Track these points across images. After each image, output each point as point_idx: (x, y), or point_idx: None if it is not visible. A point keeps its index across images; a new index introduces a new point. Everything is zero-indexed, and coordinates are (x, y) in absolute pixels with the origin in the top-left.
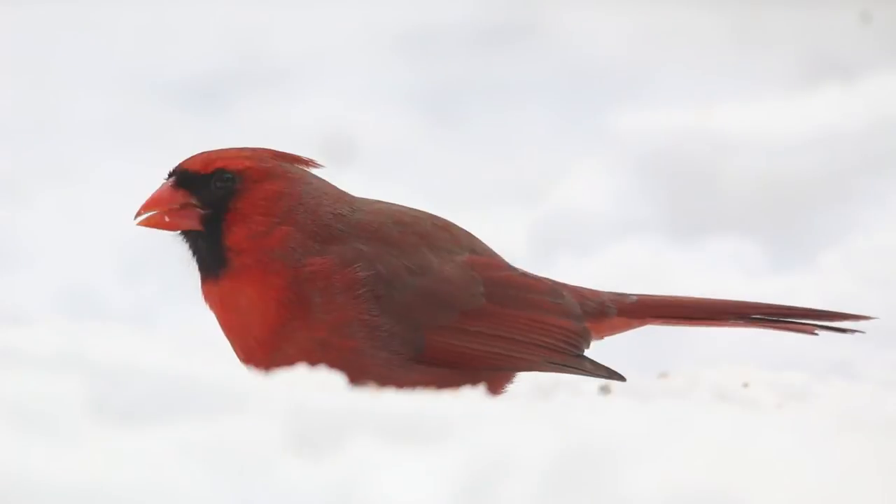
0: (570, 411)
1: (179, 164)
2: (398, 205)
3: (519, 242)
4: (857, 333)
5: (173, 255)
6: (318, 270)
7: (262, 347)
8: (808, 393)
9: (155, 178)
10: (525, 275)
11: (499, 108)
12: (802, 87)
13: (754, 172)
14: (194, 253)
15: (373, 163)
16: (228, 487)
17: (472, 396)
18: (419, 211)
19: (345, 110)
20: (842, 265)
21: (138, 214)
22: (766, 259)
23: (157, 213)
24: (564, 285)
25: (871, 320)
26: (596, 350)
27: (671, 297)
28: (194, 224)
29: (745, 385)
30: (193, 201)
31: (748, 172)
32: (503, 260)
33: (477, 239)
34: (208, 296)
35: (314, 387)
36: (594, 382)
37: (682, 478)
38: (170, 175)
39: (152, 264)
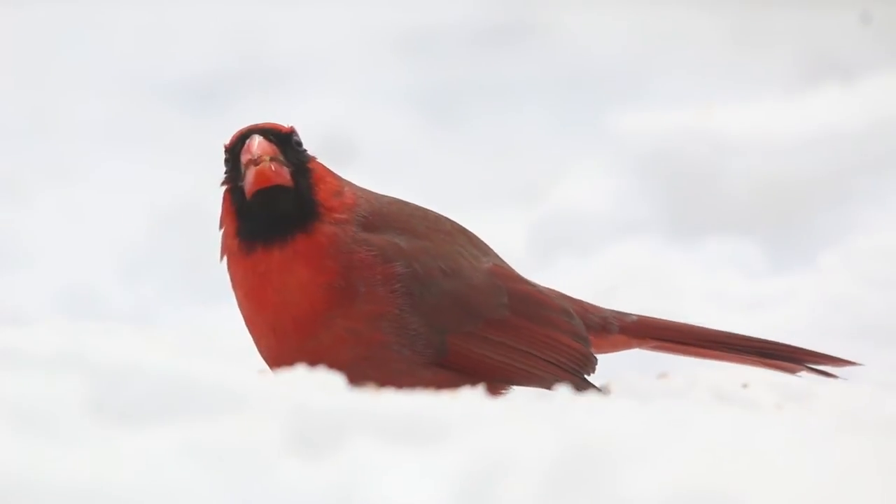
0: (570, 411)
1: (255, 126)
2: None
3: (518, 242)
4: (840, 376)
5: (173, 255)
6: (364, 259)
7: (300, 332)
8: (807, 393)
9: (155, 179)
10: (540, 290)
11: (499, 109)
12: (802, 88)
13: (754, 172)
14: (270, 211)
15: (373, 163)
16: (228, 487)
17: (471, 397)
18: (430, 210)
19: (345, 111)
20: (842, 265)
21: (248, 166)
22: (766, 259)
23: (265, 164)
24: (571, 299)
25: (874, 320)
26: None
27: (670, 321)
28: (287, 179)
29: (745, 385)
30: (281, 157)
31: (748, 172)
32: (516, 271)
33: (487, 245)
34: (250, 268)
35: (314, 387)
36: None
37: (682, 478)
38: (248, 135)
39: (152, 264)
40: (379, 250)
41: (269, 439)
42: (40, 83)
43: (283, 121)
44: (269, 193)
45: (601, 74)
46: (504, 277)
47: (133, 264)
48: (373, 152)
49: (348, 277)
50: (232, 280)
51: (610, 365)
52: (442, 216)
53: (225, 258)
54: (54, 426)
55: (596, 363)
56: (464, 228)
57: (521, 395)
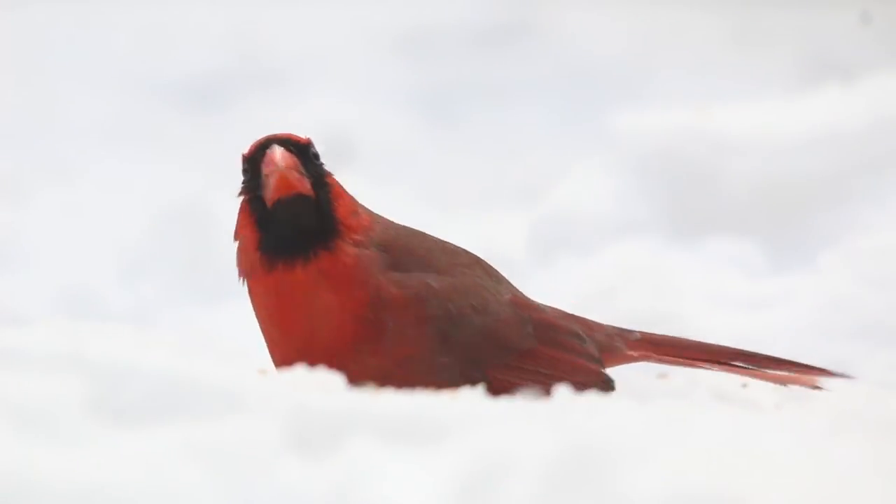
0: (570, 412)
1: (273, 136)
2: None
3: (519, 242)
4: (829, 388)
5: (173, 255)
6: (395, 298)
7: (330, 361)
8: (807, 393)
9: (155, 179)
10: (552, 315)
11: (499, 108)
12: (802, 88)
13: (754, 173)
14: (293, 223)
15: (372, 163)
16: (228, 487)
17: (471, 397)
18: (446, 241)
19: (344, 111)
20: (842, 265)
21: (271, 174)
22: (766, 259)
23: (286, 171)
24: (577, 319)
25: (874, 320)
26: None
27: (671, 337)
28: (308, 189)
29: (745, 385)
30: (302, 169)
31: (748, 173)
32: (528, 297)
33: (498, 272)
34: (272, 287)
35: (314, 387)
36: None
37: (682, 478)
38: (267, 144)
39: (152, 264)
40: (413, 292)
41: (269, 439)
42: (40, 83)
43: (282, 121)
44: (291, 203)
45: (601, 74)
46: (524, 307)
47: (133, 264)
48: (373, 152)
49: (378, 312)
50: (252, 298)
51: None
52: (458, 247)
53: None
54: (54, 426)
55: (613, 384)
56: (478, 258)
57: (520, 396)
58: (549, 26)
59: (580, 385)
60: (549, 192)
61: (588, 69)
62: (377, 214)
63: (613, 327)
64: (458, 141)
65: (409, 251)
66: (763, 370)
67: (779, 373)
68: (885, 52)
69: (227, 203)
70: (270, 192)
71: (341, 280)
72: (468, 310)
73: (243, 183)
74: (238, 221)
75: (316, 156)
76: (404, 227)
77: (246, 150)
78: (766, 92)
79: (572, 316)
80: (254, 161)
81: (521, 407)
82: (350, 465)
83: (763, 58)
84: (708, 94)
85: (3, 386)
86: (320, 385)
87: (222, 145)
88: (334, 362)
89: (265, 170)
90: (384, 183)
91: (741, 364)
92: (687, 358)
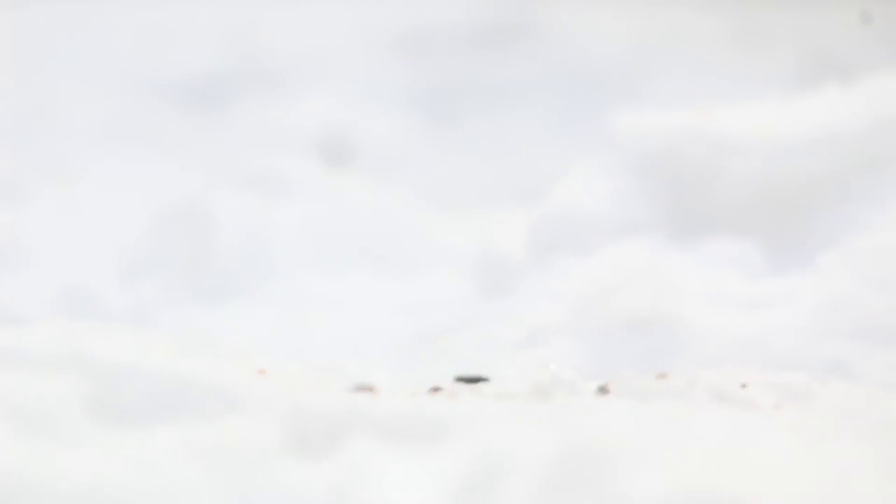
0: (569, 411)
1: None
2: None
3: (519, 242)
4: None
5: (173, 255)
6: None
7: None
8: (807, 393)
9: (154, 179)
10: None
11: (498, 109)
12: (802, 88)
13: (754, 173)
14: None
15: (372, 163)
16: (228, 487)
17: (470, 397)
18: None
19: (344, 111)
20: (842, 265)
21: None
22: (766, 259)
23: None
24: None
25: (874, 320)
26: (594, 350)
27: None
28: None
29: (744, 386)
30: None
31: (748, 173)
32: None
33: None
34: None
35: (314, 387)
36: (592, 382)
37: (682, 478)
38: None
39: (152, 264)
40: None
41: (269, 439)
42: (40, 83)
43: (282, 122)
44: None
45: (601, 74)
46: None
47: (133, 264)
48: (373, 152)
49: None
50: None
51: (610, 365)
52: None
53: None
54: (54, 426)
55: None
56: None
57: (519, 395)
58: (549, 26)
59: None
60: (549, 192)
61: (588, 69)
62: None
63: None
64: (459, 141)
65: None
66: None
67: None
68: (885, 52)
69: (227, 203)
70: None
71: None
72: None
73: None
74: None
75: None
76: None
77: None
78: (766, 92)
79: None
80: None
81: (520, 407)
82: (350, 465)
83: (763, 58)
84: (708, 94)
85: (3, 386)
86: (320, 385)
87: (222, 145)
88: None
89: None
90: (384, 183)
91: None
92: None
